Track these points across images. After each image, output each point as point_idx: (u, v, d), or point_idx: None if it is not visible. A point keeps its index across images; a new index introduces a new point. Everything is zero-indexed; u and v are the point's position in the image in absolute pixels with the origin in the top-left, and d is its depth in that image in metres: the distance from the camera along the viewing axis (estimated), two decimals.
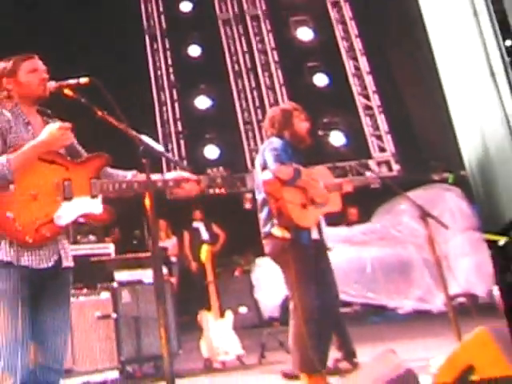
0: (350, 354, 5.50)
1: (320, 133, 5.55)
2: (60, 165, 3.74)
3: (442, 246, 8.08)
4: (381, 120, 13.04)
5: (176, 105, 13.36)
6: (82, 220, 3.72)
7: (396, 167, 12.66)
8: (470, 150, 9.00)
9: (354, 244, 9.40)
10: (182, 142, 13.02)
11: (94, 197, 3.73)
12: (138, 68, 12.64)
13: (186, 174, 3.73)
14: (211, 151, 12.48)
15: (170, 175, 3.71)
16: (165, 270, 9.63)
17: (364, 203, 9.67)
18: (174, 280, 10.13)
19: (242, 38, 13.67)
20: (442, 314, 8.19)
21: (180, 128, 13.30)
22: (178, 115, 13.35)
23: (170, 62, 13.58)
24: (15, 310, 3.65)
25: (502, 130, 8.70)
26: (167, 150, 12.84)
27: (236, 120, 12.97)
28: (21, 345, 3.54)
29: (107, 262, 7.44)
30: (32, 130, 3.82)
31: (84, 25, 11.06)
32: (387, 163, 12.81)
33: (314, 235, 5.11)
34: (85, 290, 6.92)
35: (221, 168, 3.90)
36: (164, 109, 13.33)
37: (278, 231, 4.98)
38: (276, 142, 5.15)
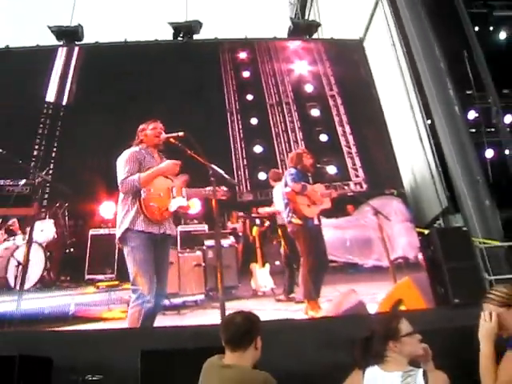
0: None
1: (319, 165, 5.51)
2: (169, 178, 3.85)
3: (389, 230, 8.16)
4: (357, 159, 12.56)
5: (243, 150, 12.07)
6: (179, 209, 3.81)
7: (365, 186, 12.19)
8: (406, 177, 8.75)
9: (340, 228, 8.89)
10: (246, 170, 12.38)
11: (183, 197, 3.85)
12: (223, 130, 11.93)
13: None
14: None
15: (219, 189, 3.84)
16: (234, 240, 9.62)
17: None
18: (239, 246, 10.10)
19: (280, 114, 13.12)
20: (388, 268, 8.11)
21: (245, 162, 11.90)
22: (244, 155, 12.02)
23: (240, 127, 12.72)
24: (146, 255, 3.68)
25: (423, 168, 8.46)
26: (238, 175, 12.50)
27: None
28: (151, 275, 3.54)
29: (201, 234, 7.48)
30: (155, 161, 3.96)
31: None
32: (360, 184, 12.33)
33: (315, 222, 5.11)
34: (187, 250, 6.91)
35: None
36: (237, 152, 12.04)
37: (295, 220, 5.05)
38: (292, 171, 5.33)
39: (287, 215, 5.44)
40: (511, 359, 2.19)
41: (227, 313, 4.89)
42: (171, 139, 3.92)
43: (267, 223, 9.86)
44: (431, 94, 8.39)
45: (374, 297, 5.96)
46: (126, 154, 4.00)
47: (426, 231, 7.47)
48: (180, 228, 7.77)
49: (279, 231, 6.80)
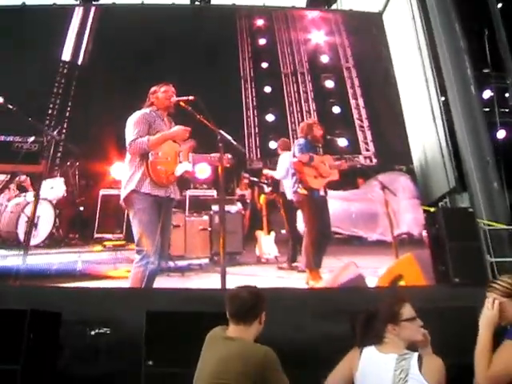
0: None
1: (329, 137, 5.32)
2: (177, 143, 3.76)
3: (395, 206, 7.96)
4: (368, 133, 12.36)
5: (256, 118, 12.30)
6: (185, 174, 3.74)
7: (375, 160, 12.02)
8: (416, 154, 8.57)
9: (346, 200, 8.94)
10: (257, 138, 12.22)
11: (190, 163, 3.78)
12: (236, 97, 11.91)
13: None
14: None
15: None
16: (242, 207, 9.56)
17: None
18: (247, 213, 10.08)
19: (294, 84, 13.04)
20: (391, 243, 8.04)
21: (257, 131, 12.08)
22: (256, 124, 12.25)
23: (254, 94, 12.86)
24: (152, 217, 3.65)
25: (434, 146, 8.26)
26: (249, 142, 12.30)
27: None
28: (156, 237, 3.52)
29: (209, 200, 7.43)
30: (164, 124, 3.87)
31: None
32: (369, 158, 12.16)
33: (321, 193, 5.01)
34: (195, 214, 6.88)
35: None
36: (249, 120, 12.25)
37: (301, 190, 4.95)
38: (301, 141, 5.19)
39: (293, 185, 5.34)
40: (508, 348, 2.13)
41: (228, 278, 4.93)
42: (181, 103, 3.80)
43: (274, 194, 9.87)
44: (447, 72, 8.07)
45: (375, 270, 5.92)
46: (136, 116, 3.90)
47: (432, 209, 7.36)
48: (189, 192, 7.73)
49: (280, 200, 6.76)
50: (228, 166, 4.14)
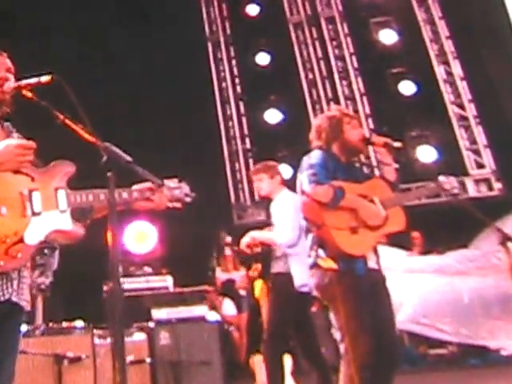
0: None
1: (395, 144, 5.01)
2: (25, 174, 3.47)
3: None
4: (478, 132, 12.51)
5: (243, 119, 13.24)
6: (52, 237, 3.46)
7: (497, 185, 12.18)
8: None
9: (447, 274, 9.18)
10: (250, 160, 12.71)
11: (62, 211, 3.48)
12: (200, 79, 12.50)
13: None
14: (284, 171, 12.03)
15: (136, 186, 3.50)
16: (231, 306, 9.42)
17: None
18: (244, 316, 9.81)
19: (316, 43, 13.41)
20: None
21: (248, 145, 13.15)
22: (245, 131, 13.21)
23: (235, 72, 13.48)
24: None
25: None
26: (233, 171, 12.86)
27: None
28: None
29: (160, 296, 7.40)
30: None
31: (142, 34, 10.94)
32: (487, 181, 12.37)
33: (371, 264, 4.68)
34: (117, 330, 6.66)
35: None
36: (230, 124, 13.21)
37: (323, 262, 4.61)
38: (314, 157, 4.81)
39: (309, 252, 5.04)
40: None
41: None
42: (25, 91, 3.55)
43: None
44: None
45: None
46: None
47: None
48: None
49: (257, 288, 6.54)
50: (178, 206, 3.89)
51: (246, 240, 6.32)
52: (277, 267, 5.96)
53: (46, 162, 3.59)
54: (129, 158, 3.21)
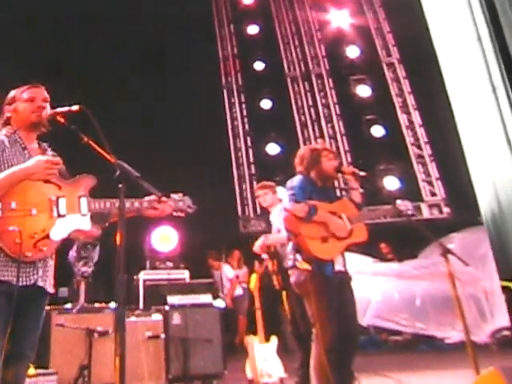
0: None
1: (361, 173, 4.89)
2: (54, 184, 3.35)
3: (488, 283, 7.90)
4: (432, 167, 12.45)
5: (250, 150, 13.16)
6: (74, 235, 3.34)
7: (446, 210, 12.04)
8: (484, 198, 8.13)
9: (404, 278, 9.14)
10: (254, 182, 12.44)
11: (83, 214, 3.34)
12: (217, 118, 12.49)
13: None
14: (280, 191, 12.15)
15: (146, 198, 3.44)
16: (229, 269, 9.82)
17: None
18: (245, 304, 9.68)
19: (308, 94, 13.38)
20: (487, 346, 7.65)
21: (253, 171, 13.07)
22: (251, 159, 13.14)
23: (244, 113, 13.41)
24: None
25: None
26: (241, 190, 12.75)
27: None
28: None
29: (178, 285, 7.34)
30: (28, 154, 3.44)
31: (173, 81, 10.85)
32: (438, 206, 12.22)
33: (338, 267, 4.54)
34: (137, 312, 6.67)
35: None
36: (239, 154, 13.12)
37: (299, 264, 4.49)
38: (295, 181, 4.72)
39: (289, 256, 4.90)
40: None
41: None
42: (58, 117, 3.43)
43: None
44: None
45: None
46: None
47: None
48: (144, 275, 7.34)
49: (275, 280, 6.32)
50: (181, 214, 3.76)
51: (259, 243, 6.21)
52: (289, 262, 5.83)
53: (73, 174, 3.49)
54: (137, 174, 3.10)
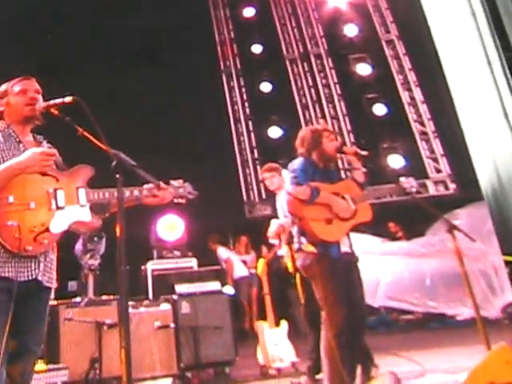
0: None
1: (363, 152, 4.86)
2: (51, 176, 3.33)
3: (496, 258, 7.81)
4: (436, 144, 12.39)
5: (252, 135, 13.10)
6: (74, 227, 3.32)
7: (452, 186, 12.02)
8: (484, 175, 8.08)
9: (413, 256, 9.08)
10: (258, 167, 12.49)
11: (82, 205, 3.33)
12: (217, 103, 12.47)
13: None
14: (285, 174, 12.13)
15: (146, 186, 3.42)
16: (224, 251, 9.83)
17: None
18: (255, 290, 9.66)
19: (308, 75, 13.28)
20: (498, 321, 7.72)
21: (256, 155, 13.03)
22: (253, 144, 13.08)
23: (245, 97, 13.33)
24: None
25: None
26: (245, 175, 12.74)
27: None
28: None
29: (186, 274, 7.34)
30: (23, 147, 3.41)
31: (171, 68, 10.82)
32: (443, 183, 12.20)
33: (344, 248, 4.51)
34: (146, 302, 6.68)
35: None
36: (241, 138, 13.07)
37: (305, 247, 4.46)
38: (296, 163, 4.69)
39: (296, 240, 4.86)
40: None
41: None
42: (53, 109, 3.39)
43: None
44: None
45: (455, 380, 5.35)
46: None
47: None
48: (152, 265, 7.33)
49: (289, 265, 6.23)
50: (182, 201, 3.73)
51: (273, 230, 6.14)
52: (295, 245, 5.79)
53: (70, 166, 3.46)
54: (133, 163, 3.07)
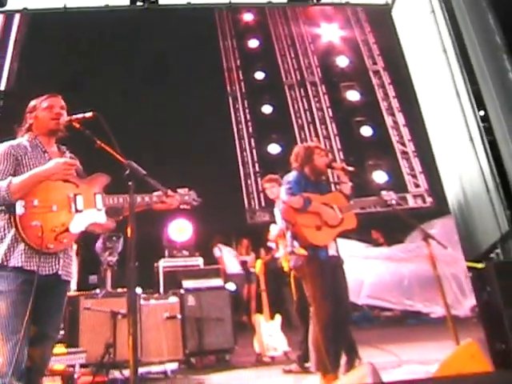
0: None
1: (350, 168, 4.92)
2: (72, 182, 3.33)
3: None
4: (415, 162, 12.35)
5: (254, 151, 13.06)
6: (90, 228, 3.36)
7: (429, 199, 11.93)
8: (451, 189, 8.10)
9: (393, 261, 9.10)
10: (258, 179, 12.41)
11: (99, 209, 3.34)
12: (223, 122, 12.48)
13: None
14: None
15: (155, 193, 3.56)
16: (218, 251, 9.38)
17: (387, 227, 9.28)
18: (251, 288, 9.61)
19: (304, 99, 13.30)
20: (467, 320, 7.60)
21: (257, 168, 12.95)
22: (255, 158, 13.03)
23: (248, 117, 13.29)
24: (18, 307, 3.13)
25: (476, 178, 7.71)
26: (247, 186, 12.67)
27: None
28: (16, 341, 3.03)
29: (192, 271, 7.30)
30: (48, 157, 3.42)
31: (183, 90, 10.82)
32: (421, 196, 12.11)
33: (332, 252, 4.53)
34: (156, 295, 6.71)
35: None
36: (244, 154, 13.01)
37: (297, 250, 4.49)
38: (290, 176, 4.76)
39: (289, 244, 4.89)
40: None
41: None
42: (74, 123, 3.41)
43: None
44: (484, 79, 7.68)
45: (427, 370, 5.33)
46: None
47: (480, 265, 6.87)
48: (163, 263, 7.34)
49: (285, 262, 6.30)
50: (187, 207, 3.77)
51: (274, 233, 6.20)
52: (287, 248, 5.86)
53: (89, 174, 3.48)
54: (144, 172, 3.10)
